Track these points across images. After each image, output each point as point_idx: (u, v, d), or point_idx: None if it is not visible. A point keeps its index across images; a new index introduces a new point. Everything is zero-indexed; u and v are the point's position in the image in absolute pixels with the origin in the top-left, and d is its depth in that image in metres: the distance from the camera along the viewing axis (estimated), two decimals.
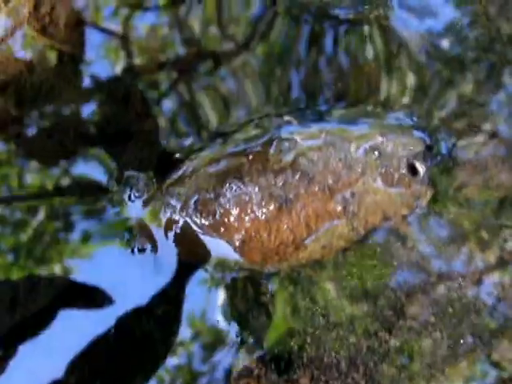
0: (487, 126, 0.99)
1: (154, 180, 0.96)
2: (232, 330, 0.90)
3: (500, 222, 0.94)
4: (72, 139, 1.03)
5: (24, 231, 0.96)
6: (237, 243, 0.88)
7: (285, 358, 0.89)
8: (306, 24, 1.05)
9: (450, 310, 0.90)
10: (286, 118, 0.97)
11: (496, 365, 0.88)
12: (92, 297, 0.91)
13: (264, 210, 0.87)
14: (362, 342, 0.89)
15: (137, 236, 0.93)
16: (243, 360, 0.89)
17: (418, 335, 0.89)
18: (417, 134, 0.95)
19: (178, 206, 0.90)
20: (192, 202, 0.90)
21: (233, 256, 0.89)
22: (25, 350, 0.88)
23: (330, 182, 0.88)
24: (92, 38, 1.09)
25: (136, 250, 0.93)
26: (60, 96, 1.06)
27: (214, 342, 0.90)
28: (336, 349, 0.89)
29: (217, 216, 0.88)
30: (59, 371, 0.87)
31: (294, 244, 0.88)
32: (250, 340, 0.90)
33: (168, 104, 1.03)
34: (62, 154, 1.02)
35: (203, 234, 0.89)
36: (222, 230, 0.88)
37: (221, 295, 0.91)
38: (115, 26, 1.09)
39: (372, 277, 0.92)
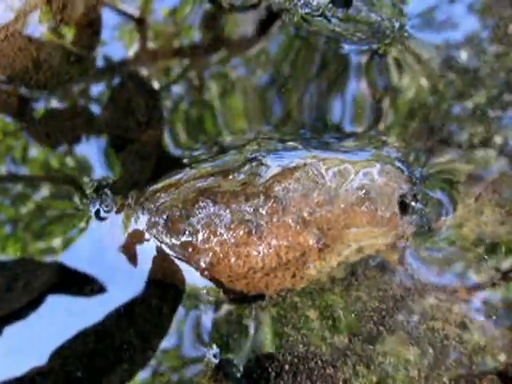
0: (498, 141, 0.99)
1: (123, 196, 0.96)
2: (211, 351, 0.90)
3: (498, 241, 0.93)
4: (70, 140, 1.03)
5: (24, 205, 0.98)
6: (204, 265, 0.86)
7: None
8: (315, 51, 1.06)
9: (437, 325, 0.90)
10: (291, 143, 0.96)
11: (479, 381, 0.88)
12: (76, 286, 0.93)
13: (233, 234, 0.85)
14: (339, 375, 0.89)
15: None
16: (219, 381, 0.89)
17: (396, 347, 0.89)
18: (407, 172, 0.95)
19: (148, 222, 0.90)
20: (162, 219, 0.88)
21: (201, 279, 0.89)
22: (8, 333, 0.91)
23: (305, 214, 0.86)
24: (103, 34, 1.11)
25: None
26: (64, 96, 1.07)
27: (190, 360, 0.90)
28: (313, 380, 0.89)
29: (185, 235, 0.87)
30: (41, 357, 0.89)
31: (262, 271, 0.87)
32: (228, 362, 0.90)
33: (168, 115, 1.04)
34: (57, 154, 1.02)
35: (172, 252, 0.89)
36: (190, 250, 0.87)
37: (202, 315, 0.92)
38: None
39: (356, 308, 0.92)
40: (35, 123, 1.05)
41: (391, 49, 1.05)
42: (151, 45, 1.10)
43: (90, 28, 1.11)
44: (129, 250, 0.92)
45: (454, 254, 0.93)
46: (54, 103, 1.06)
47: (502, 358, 0.89)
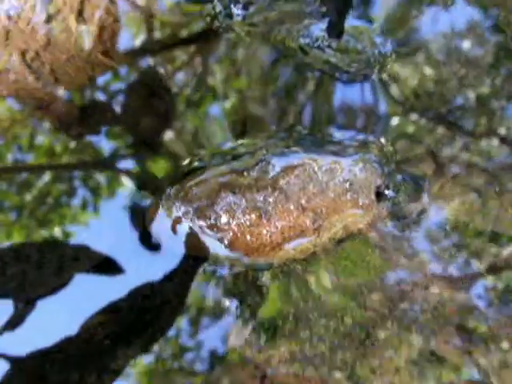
0: (502, 132, 1.14)
1: (163, 190, 1.15)
2: (233, 304, 1.10)
3: (498, 229, 1.07)
4: (122, 141, 1.26)
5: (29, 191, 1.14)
6: (226, 242, 1.07)
7: (271, 331, 1.08)
8: (313, 75, 1.26)
9: (441, 310, 1.01)
10: (293, 148, 1.16)
11: (481, 368, 0.95)
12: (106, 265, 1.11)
13: (248, 218, 1.05)
14: (331, 324, 1.08)
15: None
16: (240, 328, 1.08)
17: (398, 332, 1.04)
18: (381, 170, 1.16)
19: (183, 210, 1.09)
20: (193, 207, 1.08)
21: (224, 251, 1.08)
22: (44, 306, 1.07)
23: (303, 201, 1.06)
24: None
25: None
26: (114, 107, 1.30)
27: (217, 312, 1.10)
28: (310, 327, 1.08)
29: (211, 219, 1.06)
30: (102, 311, 1.05)
31: (270, 245, 1.06)
32: (247, 313, 1.09)
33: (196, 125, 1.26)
34: (112, 152, 1.25)
35: (202, 233, 1.08)
36: (215, 230, 1.06)
37: (225, 278, 1.11)
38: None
39: (344, 275, 1.12)
40: (92, 127, 1.27)
41: (378, 72, 1.23)
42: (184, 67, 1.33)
43: (135, 51, 1.35)
44: (169, 232, 1.11)
45: (420, 232, 1.14)
46: (107, 112, 1.28)
47: (505, 345, 0.97)
